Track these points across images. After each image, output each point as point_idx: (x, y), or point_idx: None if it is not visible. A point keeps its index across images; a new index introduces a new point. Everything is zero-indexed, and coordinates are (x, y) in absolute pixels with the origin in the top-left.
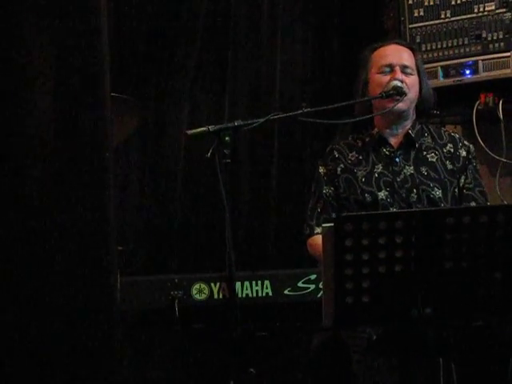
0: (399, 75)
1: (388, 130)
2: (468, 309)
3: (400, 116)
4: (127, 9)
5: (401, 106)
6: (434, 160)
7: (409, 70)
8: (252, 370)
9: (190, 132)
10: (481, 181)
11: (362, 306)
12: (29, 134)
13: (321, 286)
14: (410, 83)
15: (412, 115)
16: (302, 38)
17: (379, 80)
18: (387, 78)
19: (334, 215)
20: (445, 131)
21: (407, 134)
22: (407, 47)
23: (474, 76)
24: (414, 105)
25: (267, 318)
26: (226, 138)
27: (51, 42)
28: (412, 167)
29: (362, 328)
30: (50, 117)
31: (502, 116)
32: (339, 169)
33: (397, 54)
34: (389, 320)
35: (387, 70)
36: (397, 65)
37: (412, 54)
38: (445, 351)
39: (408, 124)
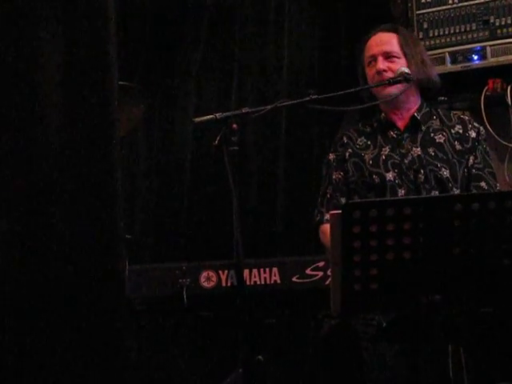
0: (381, 64)
1: (394, 115)
2: (477, 295)
3: (398, 101)
4: None
5: (390, 90)
6: (442, 141)
7: (394, 54)
8: (260, 357)
9: (197, 120)
10: (490, 162)
11: (370, 293)
12: (35, 124)
13: (329, 273)
14: (395, 68)
15: (414, 98)
16: (309, 24)
17: (369, 73)
18: (373, 69)
19: (343, 200)
20: (454, 114)
21: (413, 117)
22: (391, 31)
23: (482, 62)
24: (404, 89)
25: (275, 305)
26: (234, 126)
27: (59, 31)
28: (419, 148)
29: (370, 315)
30: (57, 106)
31: (510, 102)
32: (347, 154)
33: (378, 43)
34: (397, 307)
35: (372, 60)
36: (378, 54)
37: (396, 38)
38: (454, 337)
39: (413, 107)
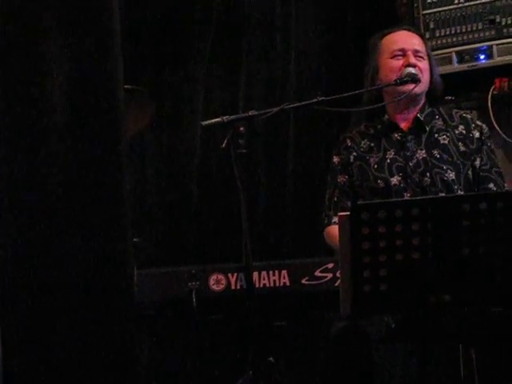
0: (413, 59)
1: (399, 115)
2: (486, 295)
3: (413, 100)
4: None
5: (416, 89)
6: (446, 142)
7: (421, 54)
8: (271, 358)
9: (204, 123)
10: (496, 161)
11: (380, 295)
12: (43, 128)
13: (338, 274)
14: (423, 68)
15: (423, 100)
16: (316, 26)
17: (392, 65)
18: (400, 62)
19: (349, 204)
20: (456, 112)
21: (416, 118)
22: (416, 33)
23: (489, 61)
24: (426, 89)
25: (285, 307)
26: (241, 129)
27: (65, 36)
28: (424, 151)
29: (380, 316)
30: (64, 110)
31: None
32: (352, 157)
33: (408, 39)
34: (407, 308)
35: (400, 54)
36: (409, 49)
37: (421, 40)
38: (464, 338)
39: (417, 108)
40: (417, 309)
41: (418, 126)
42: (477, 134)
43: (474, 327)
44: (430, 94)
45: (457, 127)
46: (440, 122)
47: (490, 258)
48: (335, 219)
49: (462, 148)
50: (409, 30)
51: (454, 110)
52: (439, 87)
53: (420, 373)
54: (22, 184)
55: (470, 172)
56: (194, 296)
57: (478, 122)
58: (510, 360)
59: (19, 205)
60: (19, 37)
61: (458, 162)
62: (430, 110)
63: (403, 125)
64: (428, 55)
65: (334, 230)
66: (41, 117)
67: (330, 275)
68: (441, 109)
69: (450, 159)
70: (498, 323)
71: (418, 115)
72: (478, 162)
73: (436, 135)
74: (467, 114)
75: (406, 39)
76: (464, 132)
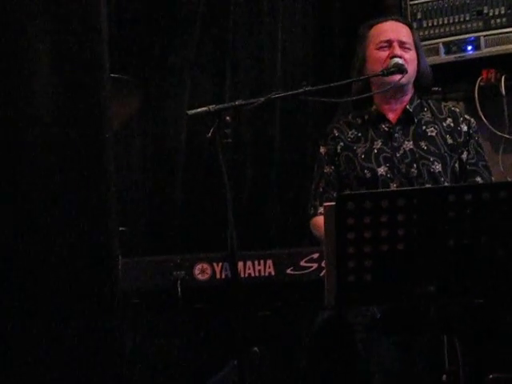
0: (398, 50)
1: (387, 106)
2: (471, 286)
3: (399, 91)
4: None
5: (402, 80)
6: (434, 134)
7: (407, 46)
8: (256, 348)
9: (190, 112)
10: (483, 154)
11: (365, 285)
12: (28, 119)
13: (323, 264)
14: (409, 59)
15: (410, 90)
16: (303, 15)
17: (378, 56)
18: (386, 53)
19: (334, 194)
20: (445, 106)
21: (405, 110)
22: (404, 23)
23: (476, 52)
24: (412, 80)
25: (270, 297)
26: (227, 118)
27: (48, 23)
28: (411, 142)
29: (364, 306)
30: (49, 100)
31: (504, 92)
32: (339, 147)
33: (395, 30)
34: (391, 298)
35: (385, 45)
36: (395, 40)
37: (409, 31)
38: (449, 328)
39: (406, 99)
40: (401, 300)
41: (406, 118)
42: (465, 128)
43: (459, 318)
44: (418, 84)
45: (445, 120)
46: (428, 115)
47: (474, 249)
48: (321, 210)
49: (450, 141)
50: (397, 21)
51: (443, 104)
52: (427, 77)
53: (405, 363)
54: (5, 174)
55: (456, 165)
56: (178, 285)
57: (467, 116)
58: (494, 350)
59: (2, 195)
60: (2, 24)
61: (445, 154)
62: (418, 101)
63: (391, 116)
64: (416, 46)
65: (319, 220)
66: (25, 106)
67: (315, 265)
68: (429, 101)
69: (437, 151)
70: (482, 314)
71: (408, 107)
72: (464, 156)
73: (424, 127)
74: (455, 107)
75: (392, 30)
76: (452, 125)
